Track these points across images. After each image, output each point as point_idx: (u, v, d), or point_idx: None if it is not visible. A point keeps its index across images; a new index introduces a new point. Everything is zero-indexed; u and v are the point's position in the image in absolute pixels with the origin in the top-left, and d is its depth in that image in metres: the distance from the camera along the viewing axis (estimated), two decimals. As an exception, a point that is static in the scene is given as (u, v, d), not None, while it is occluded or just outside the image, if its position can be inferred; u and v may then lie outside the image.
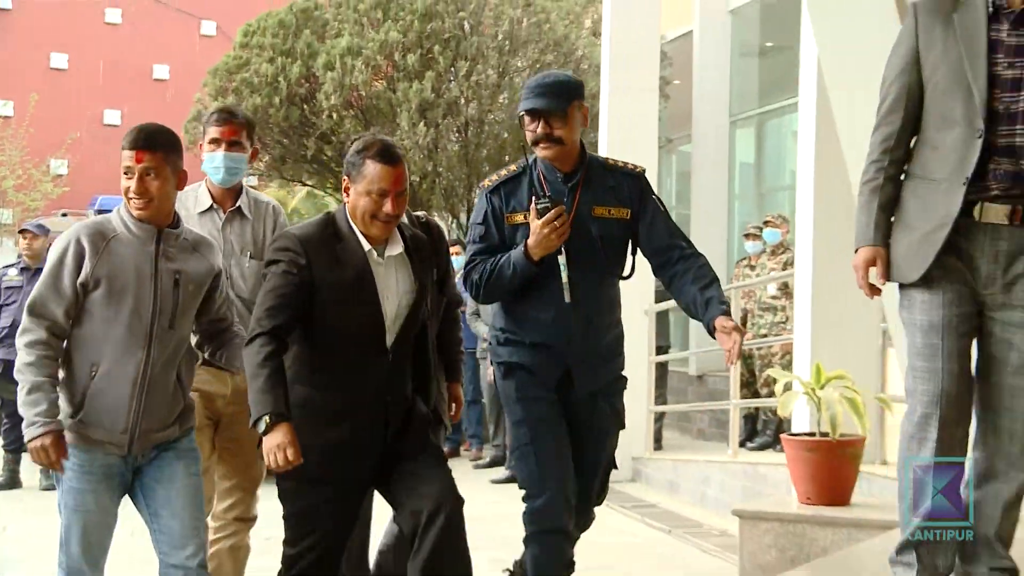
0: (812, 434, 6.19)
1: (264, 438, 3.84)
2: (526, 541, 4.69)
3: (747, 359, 10.51)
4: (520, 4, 17.00)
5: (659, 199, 4.77)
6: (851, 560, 5.35)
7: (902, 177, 3.86)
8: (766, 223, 11.12)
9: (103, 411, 3.94)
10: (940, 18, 3.66)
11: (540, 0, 17.06)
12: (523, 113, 4.60)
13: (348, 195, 4.12)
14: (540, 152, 4.59)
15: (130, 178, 3.93)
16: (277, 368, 3.93)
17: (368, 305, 4.11)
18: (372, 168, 4.04)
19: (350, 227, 4.13)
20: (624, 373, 4.88)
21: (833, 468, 6.04)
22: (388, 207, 4.04)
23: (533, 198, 4.51)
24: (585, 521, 4.85)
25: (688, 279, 4.57)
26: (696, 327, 14.45)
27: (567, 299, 4.52)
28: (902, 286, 3.82)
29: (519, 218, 4.59)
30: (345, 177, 4.14)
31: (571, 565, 4.75)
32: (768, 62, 15.86)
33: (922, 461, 3.74)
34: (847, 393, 5.92)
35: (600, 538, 5.03)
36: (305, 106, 17.01)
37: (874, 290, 3.86)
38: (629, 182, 4.73)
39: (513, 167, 4.71)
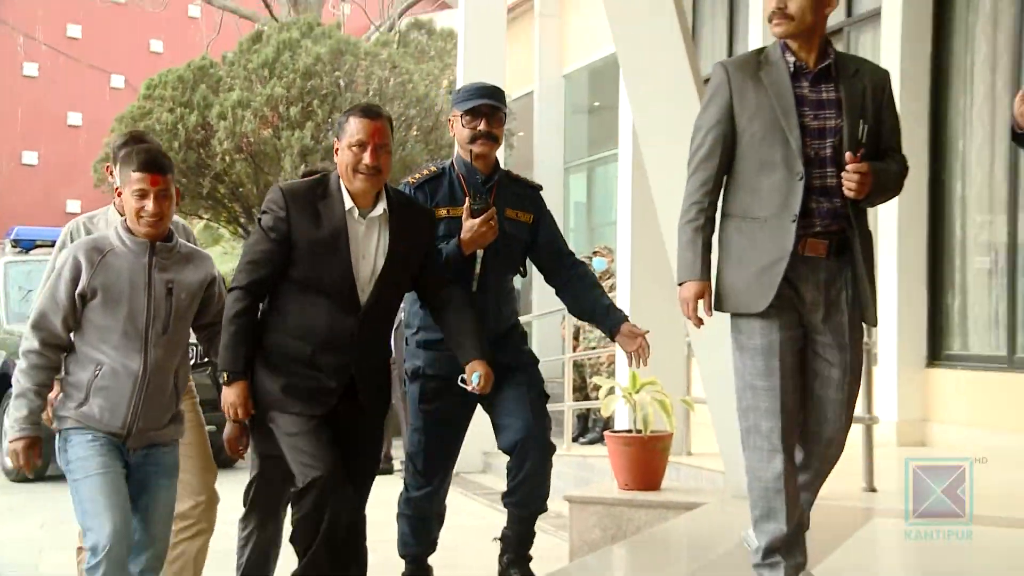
0: (630, 431, 6.27)
1: (223, 390, 3.77)
2: (399, 517, 4.61)
3: (579, 367, 10.60)
4: (387, 66, 16.97)
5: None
6: (660, 536, 5.44)
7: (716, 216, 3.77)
8: (595, 253, 11.25)
9: (104, 408, 3.69)
10: (749, 76, 3.59)
11: (404, 63, 17.05)
12: (463, 112, 4.42)
13: (337, 155, 3.87)
14: (477, 148, 4.42)
15: (144, 198, 3.67)
16: (245, 325, 3.80)
17: (340, 262, 3.81)
18: (353, 123, 3.81)
19: (339, 186, 3.86)
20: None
21: (646, 459, 6.10)
22: (368, 159, 3.77)
23: (468, 199, 4.33)
24: (547, 450, 4.53)
25: (585, 284, 4.54)
26: (537, 341, 14.65)
27: (474, 288, 4.37)
28: (736, 314, 3.69)
29: (443, 212, 4.38)
30: (335, 140, 3.89)
31: (434, 544, 4.73)
32: (595, 118, 16.11)
33: (771, 474, 3.59)
34: (658, 396, 6.00)
35: (453, 521, 5.02)
36: (201, 150, 16.70)
37: (700, 321, 3.70)
38: (531, 193, 4.65)
39: (433, 168, 4.53)
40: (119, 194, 3.83)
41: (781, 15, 3.51)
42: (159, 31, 22.98)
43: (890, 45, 8.48)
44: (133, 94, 19.30)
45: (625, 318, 4.48)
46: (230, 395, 3.79)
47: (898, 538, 5.17)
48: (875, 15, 8.94)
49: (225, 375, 3.79)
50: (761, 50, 3.71)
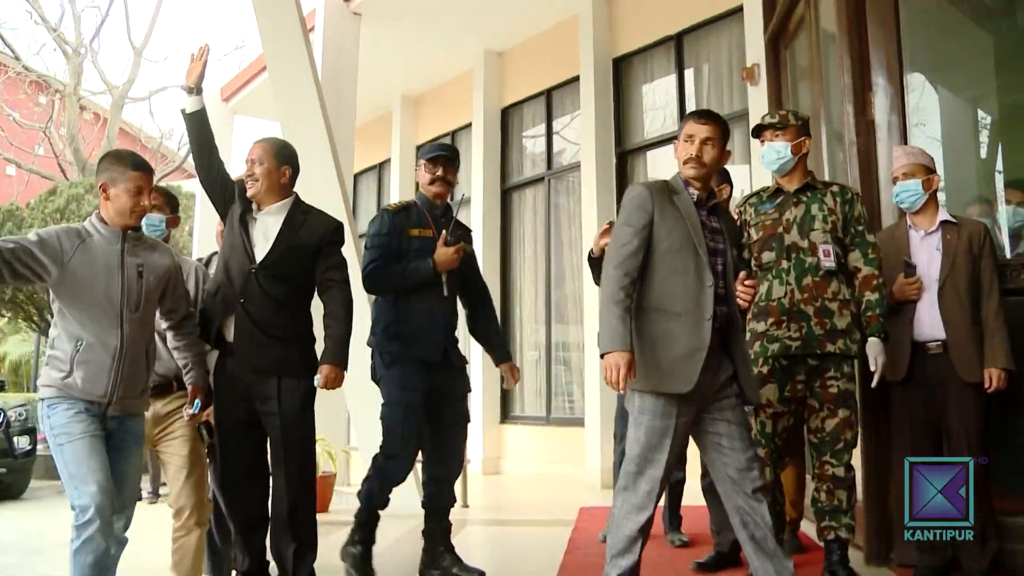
0: (308, 472, 5.97)
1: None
2: (368, 480, 3.76)
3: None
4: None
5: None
6: (327, 543, 5.13)
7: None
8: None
9: (87, 378, 2.82)
10: (666, 198, 3.02)
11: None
12: (427, 160, 3.87)
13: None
14: (435, 189, 3.84)
15: (139, 195, 2.91)
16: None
17: (240, 249, 3.29)
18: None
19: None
20: None
21: (320, 491, 5.81)
22: (247, 170, 3.32)
23: (445, 231, 3.73)
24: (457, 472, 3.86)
25: (489, 316, 4.00)
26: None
27: (445, 293, 3.76)
28: (644, 393, 2.90)
29: (415, 232, 3.76)
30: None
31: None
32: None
33: (635, 526, 2.84)
34: (326, 448, 5.79)
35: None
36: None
37: (622, 387, 2.80)
38: (465, 231, 4.01)
39: (404, 201, 3.90)
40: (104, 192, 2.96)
41: (698, 162, 3.05)
42: (-19, 183, 20.55)
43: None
44: (-48, 228, 17.08)
45: (508, 356, 3.99)
46: None
47: (481, 539, 5.19)
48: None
49: None
50: (667, 181, 3.14)
